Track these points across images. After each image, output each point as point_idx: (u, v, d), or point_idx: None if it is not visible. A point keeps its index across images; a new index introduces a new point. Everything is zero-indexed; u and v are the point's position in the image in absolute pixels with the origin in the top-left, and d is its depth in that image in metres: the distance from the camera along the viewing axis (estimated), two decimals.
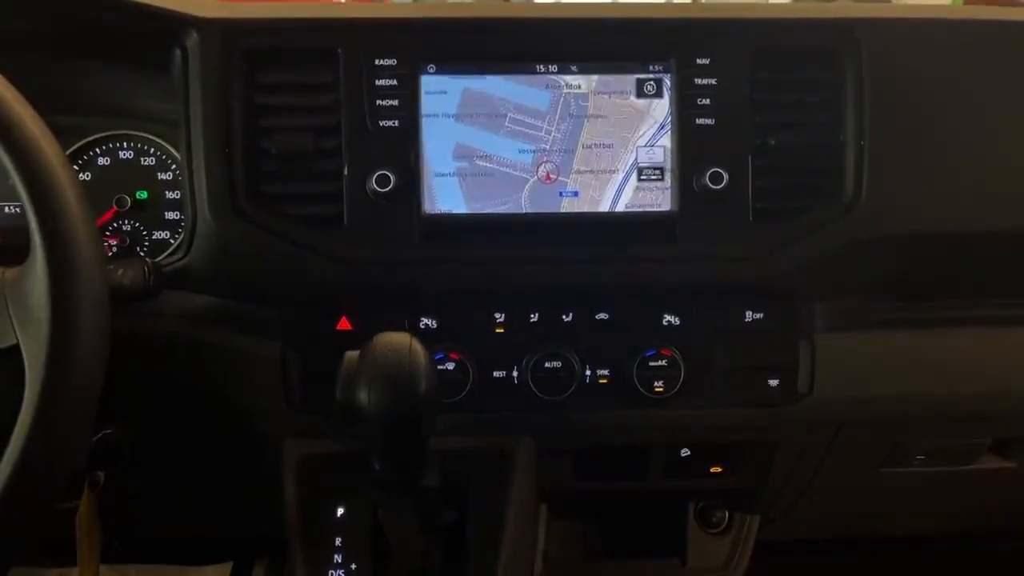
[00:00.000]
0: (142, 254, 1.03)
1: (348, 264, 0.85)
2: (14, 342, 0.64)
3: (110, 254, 1.03)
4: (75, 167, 1.04)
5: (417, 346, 0.70)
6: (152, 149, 1.04)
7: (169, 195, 1.04)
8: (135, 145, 1.04)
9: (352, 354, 0.72)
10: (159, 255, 1.01)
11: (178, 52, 0.87)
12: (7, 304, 0.65)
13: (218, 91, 0.85)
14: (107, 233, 1.03)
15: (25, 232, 1.02)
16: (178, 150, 1.02)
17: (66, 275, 0.62)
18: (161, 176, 1.04)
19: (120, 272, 0.78)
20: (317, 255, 0.85)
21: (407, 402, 0.69)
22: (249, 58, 0.86)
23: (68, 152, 1.03)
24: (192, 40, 0.86)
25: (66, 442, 0.62)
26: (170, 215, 1.04)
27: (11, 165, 0.62)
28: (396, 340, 0.71)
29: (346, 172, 0.85)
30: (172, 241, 1.03)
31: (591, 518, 1.17)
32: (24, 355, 0.63)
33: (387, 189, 0.84)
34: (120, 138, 1.04)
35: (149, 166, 1.04)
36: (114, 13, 0.85)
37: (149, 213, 1.04)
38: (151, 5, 0.85)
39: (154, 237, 1.04)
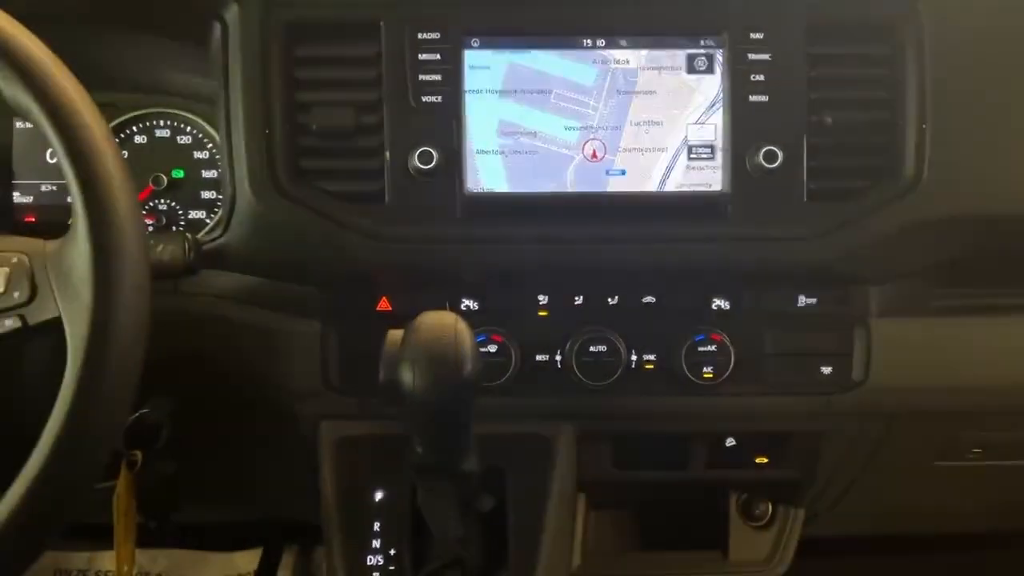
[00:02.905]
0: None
1: (388, 242, 0.83)
2: (56, 315, 0.63)
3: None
4: None
5: (462, 326, 0.68)
6: (189, 127, 1.03)
7: (206, 174, 1.03)
8: (172, 123, 1.03)
9: (396, 333, 0.70)
10: (196, 235, 1.00)
11: (217, 25, 0.85)
12: (48, 276, 0.64)
13: (258, 65, 0.83)
14: (143, 212, 1.02)
15: (62, 209, 1.02)
16: (215, 128, 1.01)
17: (109, 251, 0.61)
18: (197, 155, 1.03)
19: (160, 248, 0.77)
20: (357, 233, 0.83)
21: (451, 383, 0.67)
22: (289, 31, 0.84)
23: None
24: (231, 12, 0.84)
25: (107, 418, 0.60)
26: (206, 194, 1.03)
27: (57, 141, 0.61)
28: (441, 320, 0.69)
29: (387, 148, 0.83)
30: (208, 220, 1.02)
31: (630, 509, 1.14)
32: (66, 329, 0.62)
33: (429, 166, 0.82)
34: (157, 116, 1.03)
35: (186, 144, 1.03)
36: None
37: (186, 192, 1.02)
38: None
39: (190, 216, 1.03)
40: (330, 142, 0.84)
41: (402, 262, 0.84)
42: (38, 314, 0.63)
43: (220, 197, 1.02)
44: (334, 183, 0.84)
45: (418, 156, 0.82)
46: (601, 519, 1.14)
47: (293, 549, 1.35)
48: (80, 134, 0.62)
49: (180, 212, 1.03)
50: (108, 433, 0.61)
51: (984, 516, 1.16)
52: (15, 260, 0.66)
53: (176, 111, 1.03)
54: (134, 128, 1.03)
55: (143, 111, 1.03)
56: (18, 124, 1.03)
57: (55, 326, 0.63)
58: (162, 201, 1.03)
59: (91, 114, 0.63)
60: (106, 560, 1.30)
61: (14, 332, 0.64)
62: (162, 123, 1.03)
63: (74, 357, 0.60)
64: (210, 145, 1.03)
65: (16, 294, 0.64)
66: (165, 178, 1.02)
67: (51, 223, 1.01)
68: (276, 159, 0.82)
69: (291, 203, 0.83)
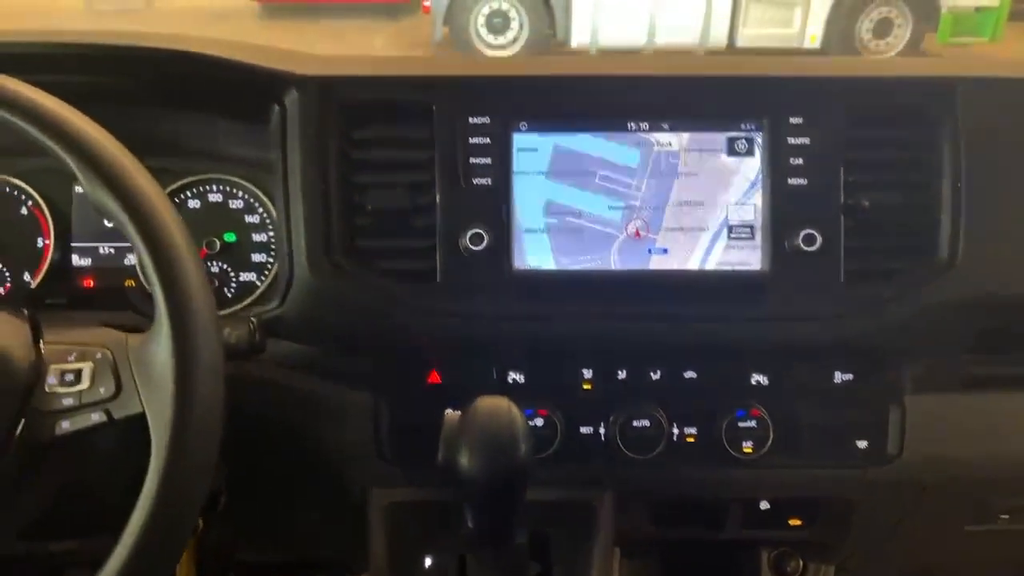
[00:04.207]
0: (229, 295, 1.06)
1: (439, 318, 0.86)
2: (140, 410, 0.66)
3: None
4: None
5: (516, 413, 0.72)
6: (240, 192, 1.06)
7: (256, 237, 1.06)
8: (224, 188, 1.07)
9: (453, 415, 0.74)
10: (247, 297, 1.04)
11: (276, 108, 0.89)
12: (132, 371, 0.68)
13: (316, 148, 0.87)
14: None
15: (119, 273, 1.07)
16: (266, 194, 1.05)
17: (189, 349, 0.65)
18: (248, 219, 1.06)
19: (228, 332, 0.81)
20: (409, 309, 0.86)
21: (506, 467, 0.70)
22: (345, 114, 0.88)
23: None
24: (291, 97, 0.88)
25: (190, 508, 0.64)
26: (257, 257, 1.06)
27: (143, 248, 0.65)
28: (496, 406, 0.72)
29: (439, 228, 0.87)
30: (258, 283, 1.06)
31: (663, 561, 1.17)
32: (150, 422, 0.65)
33: (479, 247, 0.85)
34: (210, 181, 1.07)
35: (237, 209, 1.07)
36: (218, 72, 0.88)
37: (237, 255, 1.06)
38: (254, 64, 0.87)
39: (241, 279, 1.06)
40: (384, 221, 0.88)
41: (452, 337, 0.88)
42: (123, 409, 0.67)
43: (270, 260, 1.06)
44: (388, 261, 0.87)
45: (469, 237, 0.85)
46: (633, 568, 1.17)
47: None
48: (164, 243, 0.65)
49: (232, 275, 1.06)
50: (191, 521, 0.65)
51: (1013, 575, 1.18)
52: (99, 355, 0.69)
53: (228, 177, 1.07)
54: (188, 193, 1.07)
55: (197, 177, 1.07)
56: (77, 189, 1.07)
57: (138, 419, 0.67)
58: (215, 264, 1.06)
59: (174, 222, 0.67)
60: None
61: (99, 426, 0.67)
62: (214, 188, 1.07)
63: (158, 448, 0.64)
64: (260, 209, 1.06)
65: (102, 389, 0.68)
66: (218, 242, 1.05)
67: (109, 289, 1.05)
68: (333, 238, 0.86)
69: (346, 280, 0.86)
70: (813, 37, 7.23)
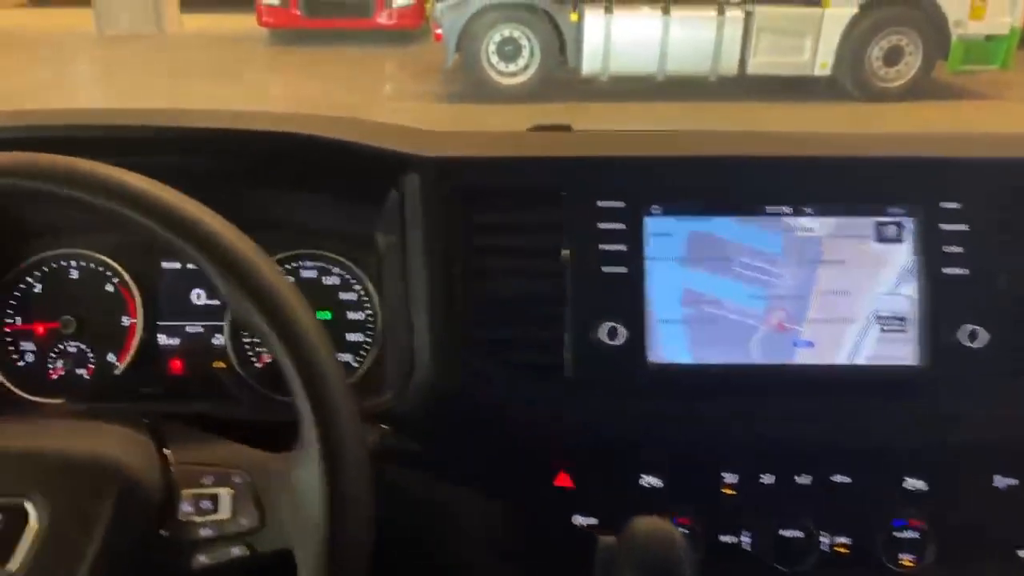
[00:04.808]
0: None
1: (568, 415, 0.81)
2: (287, 545, 0.60)
3: None
4: None
5: (678, 537, 0.66)
6: (335, 268, 1.01)
7: (351, 316, 1.01)
8: (319, 264, 1.01)
9: (608, 541, 0.68)
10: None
11: (393, 192, 0.84)
12: (278, 500, 0.62)
13: (438, 234, 0.82)
14: None
15: (207, 353, 1.01)
16: (363, 270, 0.99)
17: (341, 483, 0.59)
18: (343, 296, 1.01)
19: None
20: (536, 405, 0.81)
21: None
22: (468, 198, 0.82)
23: None
24: (410, 179, 0.83)
25: None
26: (352, 336, 1.01)
27: (293, 369, 0.59)
28: (659, 531, 0.66)
29: (569, 319, 0.81)
30: (355, 364, 1.00)
31: None
32: (297, 558, 0.60)
33: (614, 341, 0.79)
34: (302, 256, 1.01)
35: (332, 286, 1.01)
36: (335, 155, 0.82)
37: (332, 335, 1.00)
38: (373, 146, 0.82)
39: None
40: (509, 311, 0.82)
41: (581, 437, 0.82)
42: (267, 543, 0.61)
43: (367, 341, 1.00)
44: (514, 354, 0.82)
45: (601, 329, 0.80)
46: None
47: None
48: (314, 362, 0.60)
49: None
50: None
51: None
52: (238, 479, 0.63)
53: (322, 252, 1.01)
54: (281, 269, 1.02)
55: (291, 252, 1.01)
56: (164, 264, 1.02)
57: (284, 551, 0.61)
58: None
59: (324, 346, 0.61)
60: None
61: (240, 560, 0.61)
62: (309, 264, 1.02)
63: None
64: (357, 287, 1.01)
65: (244, 520, 0.62)
66: None
67: (199, 372, 0.99)
68: (455, 329, 0.80)
69: (470, 373, 0.81)
70: (824, 64, 7.26)
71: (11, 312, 0.99)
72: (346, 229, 0.96)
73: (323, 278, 1.01)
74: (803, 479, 0.84)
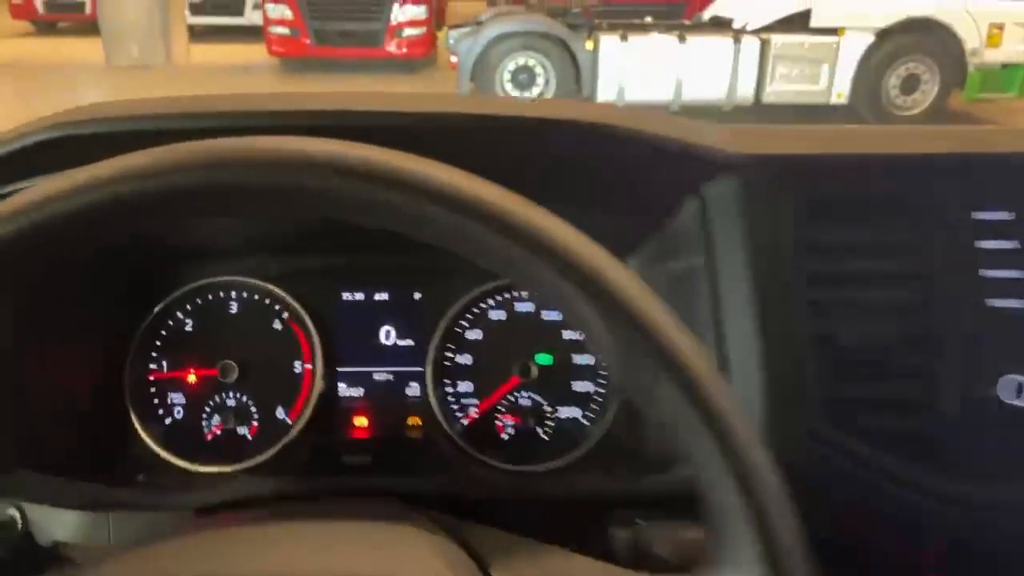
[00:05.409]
0: (546, 438, 0.81)
1: (952, 506, 0.61)
2: None
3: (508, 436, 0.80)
4: (463, 324, 0.82)
5: None
6: None
7: (578, 360, 0.81)
8: (534, 294, 0.82)
9: None
10: (569, 446, 0.78)
11: (696, 201, 0.65)
12: None
13: (758, 256, 0.63)
14: (501, 411, 0.81)
15: (399, 408, 0.81)
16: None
17: None
18: (567, 335, 0.81)
19: None
20: (907, 490, 0.61)
21: None
22: (800, 210, 0.63)
23: (458, 307, 0.82)
24: (720, 185, 0.64)
25: None
26: (579, 386, 0.81)
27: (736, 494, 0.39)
28: None
29: (945, 372, 0.62)
30: (584, 421, 0.80)
31: None
32: None
33: (1019, 401, 0.60)
34: (510, 287, 0.82)
35: (553, 322, 0.82)
36: (629, 152, 0.63)
37: (554, 382, 0.81)
38: (685, 141, 0.63)
39: (559, 415, 0.81)
40: (862, 361, 0.63)
41: (966, 538, 0.62)
42: None
43: (599, 391, 0.80)
44: (871, 417, 0.62)
45: (1001, 384, 0.61)
46: None
47: None
48: (759, 485, 0.40)
49: (548, 409, 0.81)
50: None
51: None
52: None
53: None
54: (490, 302, 0.82)
55: (499, 283, 0.82)
56: (345, 295, 0.82)
57: None
58: (524, 395, 0.81)
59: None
60: None
61: None
62: (523, 295, 0.82)
63: None
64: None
65: None
66: (533, 367, 0.80)
67: (387, 432, 0.79)
68: (803, 388, 0.61)
69: (822, 448, 0.61)
70: (840, 94, 7.20)
71: (156, 356, 0.79)
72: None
73: (542, 313, 0.82)
74: None
